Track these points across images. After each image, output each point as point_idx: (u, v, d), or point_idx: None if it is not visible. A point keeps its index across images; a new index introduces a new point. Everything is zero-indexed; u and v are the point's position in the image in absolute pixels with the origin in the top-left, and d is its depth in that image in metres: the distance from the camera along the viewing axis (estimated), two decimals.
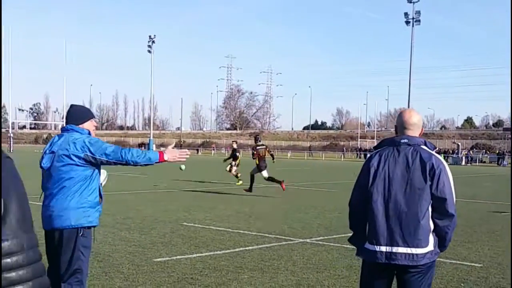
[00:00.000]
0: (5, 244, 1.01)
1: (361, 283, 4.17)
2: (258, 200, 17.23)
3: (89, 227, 4.95)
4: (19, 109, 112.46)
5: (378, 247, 3.89)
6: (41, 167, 4.87)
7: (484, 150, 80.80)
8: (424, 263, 3.88)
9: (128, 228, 10.77)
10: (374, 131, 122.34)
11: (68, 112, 5.11)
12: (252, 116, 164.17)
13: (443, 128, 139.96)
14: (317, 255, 8.75)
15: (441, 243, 3.98)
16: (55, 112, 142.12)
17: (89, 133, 5.03)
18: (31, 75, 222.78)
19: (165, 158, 4.98)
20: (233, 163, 24.31)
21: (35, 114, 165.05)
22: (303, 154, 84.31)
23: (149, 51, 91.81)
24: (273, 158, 20.55)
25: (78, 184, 4.80)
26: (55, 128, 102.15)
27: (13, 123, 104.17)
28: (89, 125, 5.08)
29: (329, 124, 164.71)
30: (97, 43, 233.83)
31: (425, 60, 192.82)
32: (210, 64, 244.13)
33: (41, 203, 4.86)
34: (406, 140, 4.01)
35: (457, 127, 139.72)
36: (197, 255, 8.52)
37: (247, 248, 9.23)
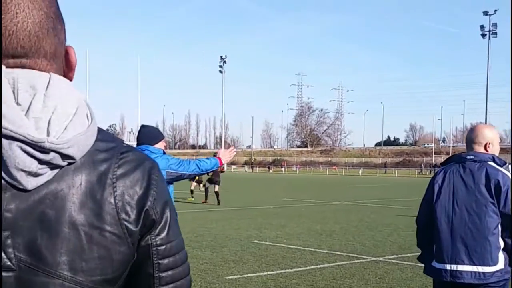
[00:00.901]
0: (173, 245, 1.13)
1: None
2: (329, 217, 17.06)
3: None
4: None
5: (443, 265, 3.80)
6: None
7: None
8: (494, 282, 3.73)
9: (200, 246, 10.89)
10: (449, 146, 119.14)
11: (141, 133, 5.23)
12: (322, 133, 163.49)
13: None
14: (390, 274, 8.54)
15: None
16: (130, 132, 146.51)
17: (164, 153, 5.16)
18: (108, 96, 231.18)
19: (223, 161, 5.39)
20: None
21: None
22: (375, 170, 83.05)
23: (220, 71, 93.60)
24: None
25: None
26: None
27: None
28: (161, 145, 5.21)
29: (402, 140, 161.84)
30: (169, 64, 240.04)
31: (503, 73, 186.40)
32: (280, 82, 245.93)
33: None
34: (472, 157, 3.89)
35: None
36: (268, 273, 8.50)
37: (318, 266, 9.13)
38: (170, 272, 1.13)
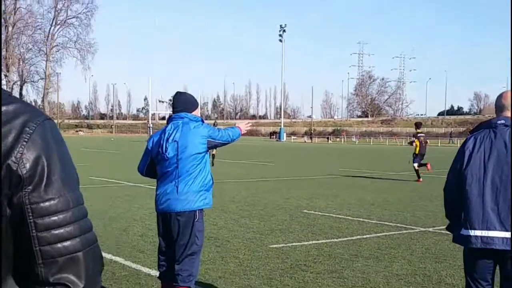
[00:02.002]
0: (52, 203, 1.08)
1: (465, 272, 4.01)
2: (383, 188, 16.90)
3: (203, 210, 5.10)
4: (159, 101, 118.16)
5: (473, 231, 3.74)
6: (163, 155, 5.05)
7: None
8: None
9: (250, 215, 11.03)
10: None
11: (178, 100, 5.21)
12: (383, 103, 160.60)
13: None
14: (437, 245, 8.43)
15: None
16: None
17: (202, 120, 5.22)
18: (173, 67, 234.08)
19: (243, 131, 5.46)
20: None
21: None
22: (437, 140, 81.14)
23: (280, 40, 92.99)
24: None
25: (198, 168, 4.99)
26: None
27: (153, 114, 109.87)
28: (197, 112, 5.26)
29: (466, 109, 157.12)
30: (230, 34, 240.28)
31: None
32: (341, 51, 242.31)
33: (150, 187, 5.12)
34: (503, 121, 3.81)
35: None
36: (313, 242, 8.55)
37: (364, 236, 9.10)
38: (53, 232, 1.08)
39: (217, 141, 5.14)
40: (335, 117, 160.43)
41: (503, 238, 3.65)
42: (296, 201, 13.22)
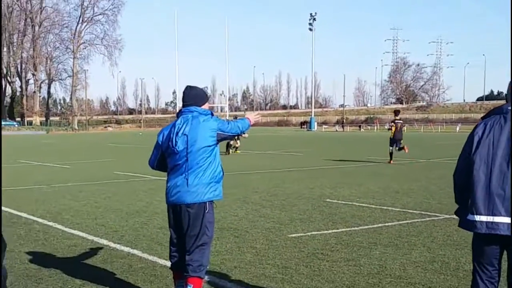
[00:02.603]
0: None
1: (472, 258, 3.95)
2: (410, 175, 16.70)
3: (213, 201, 5.12)
4: None
5: (478, 216, 3.70)
6: (173, 149, 5.08)
7: None
8: None
9: (271, 205, 11.01)
10: None
11: (188, 94, 5.23)
12: (419, 89, 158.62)
13: None
14: (460, 232, 8.26)
15: None
16: (221, 94, 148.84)
17: (212, 113, 5.23)
18: (200, 59, 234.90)
19: (252, 122, 5.48)
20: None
21: None
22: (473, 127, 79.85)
23: (310, 29, 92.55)
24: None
25: (208, 161, 5.01)
26: (221, 111, 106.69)
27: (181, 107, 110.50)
28: (206, 106, 5.27)
29: (506, 94, 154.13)
30: (259, 25, 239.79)
31: None
32: (374, 38, 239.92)
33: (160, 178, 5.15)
34: None
35: None
36: (333, 231, 8.49)
37: (386, 224, 9.00)
38: None
39: (226, 133, 5.17)
40: (369, 105, 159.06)
41: (508, 223, 3.61)
42: (319, 190, 13.15)
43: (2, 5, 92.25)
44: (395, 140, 21.85)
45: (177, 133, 5.05)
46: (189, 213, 5.02)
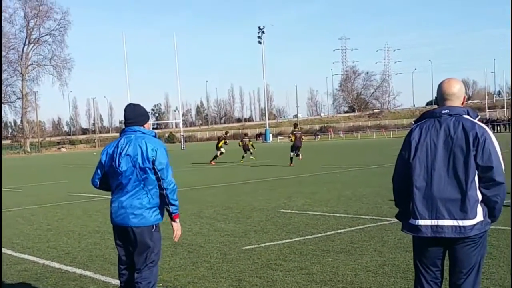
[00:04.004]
0: None
1: (414, 259, 4.06)
2: (363, 181, 16.96)
3: (158, 223, 5.11)
4: None
5: (423, 221, 3.79)
6: (116, 169, 5.03)
7: None
8: (474, 235, 3.73)
9: (226, 219, 11.03)
10: (503, 99, 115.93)
11: (131, 112, 5.16)
12: (370, 96, 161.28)
13: None
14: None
15: (491, 213, 3.83)
16: (175, 111, 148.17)
17: (155, 135, 5.19)
18: (152, 76, 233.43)
19: (177, 220, 5.09)
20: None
21: (157, 115, 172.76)
22: None
23: (260, 42, 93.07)
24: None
25: (153, 184, 4.98)
26: (176, 127, 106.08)
27: None
28: (148, 125, 5.25)
29: (436, 97, 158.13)
30: (208, 40, 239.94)
31: None
32: (323, 48, 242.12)
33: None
34: (447, 111, 3.87)
35: None
36: (287, 241, 8.56)
37: (339, 231, 9.13)
38: None
39: (158, 174, 4.92)
40: (322, 114, 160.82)
41: (452, 226, 3.72)
42: (274, 201, 13.23)
43: None
44: (295, 148, 26.20)
45: (120, 153, 5.00)
46: (135, 234, 4.99)
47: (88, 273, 7.23)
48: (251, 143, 33.45)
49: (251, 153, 32.82)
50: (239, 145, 33.23)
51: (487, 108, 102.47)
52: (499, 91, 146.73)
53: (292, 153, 26.44)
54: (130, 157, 4.94)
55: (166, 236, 5.12)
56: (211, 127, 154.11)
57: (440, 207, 3.73)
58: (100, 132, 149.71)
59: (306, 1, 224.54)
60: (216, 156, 32.45)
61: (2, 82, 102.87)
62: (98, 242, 9.24)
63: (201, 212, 12.08)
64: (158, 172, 4.90)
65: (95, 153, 74.79)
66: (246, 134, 35.21)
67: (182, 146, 76.40)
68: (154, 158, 4.90)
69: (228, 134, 35.95)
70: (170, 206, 4.97)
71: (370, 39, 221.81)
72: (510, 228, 8.06)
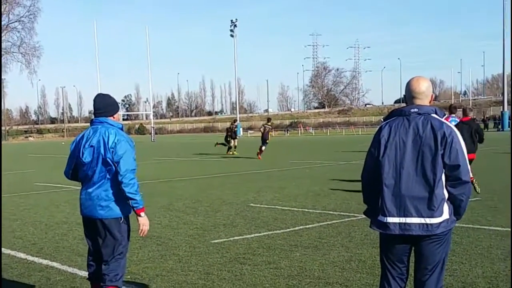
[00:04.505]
0: None
1: (380, 255, 4.12)
2: (331, 178, 17.10)
3: (127, 216, 5.09)
4: None
5: (391, 218, 3.85)
6: (81, 160, 5.02)
7: None
8: (440, 232, 3.82)
9: (195, 212, 11.04)
10: (469, 99, 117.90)
11: (100, 103, 5.12)
12: (340, 93, 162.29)
13: None
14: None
15: (456, 211, 3.92)
16: (145, 102, 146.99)
17: (122, 127, 5.16)
18: (123, 67, 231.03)
19: (142, 215, 5.00)
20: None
21: (127, 106, 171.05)
22: None
23: (232, 35, 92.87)
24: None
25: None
26: (146, 118, 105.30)
27: None
28: (117, 117, 5.23)
29: (404, 95, 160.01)
30: (181, 32, 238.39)
31: None
32: (295, 44, 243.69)
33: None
34: (416, 110, 3.93)
35: None
36: (255, 235, 8.61)
37: (307, 226, 9.22)
38: None
39: (116, 168, 4.88)
40: (292, 109, 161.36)
41: (419, 224, 3.79)
42: (243, 196, 13.27)
43: None
44: (263, 140, 28.19)
45: (85, 144, 5.00)
46: (103, 225, 4.99)
47: (54, 264, 7.17)
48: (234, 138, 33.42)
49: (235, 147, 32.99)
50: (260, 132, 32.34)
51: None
52: (465, 91, 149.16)
53: (262, 147, 28.01)
54: (94, 148, 4.94)
55: (135, 229, 5.10)
56: (181, 120, 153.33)
57: (408, 205, 3.80)
58: (69, 122, 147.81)
59: None
60: (229, 147, 32.90)
61: None
62: (65, 233, 9.17)
63: (171, 205, 12.06)
64: (115, 164, 4.88)
65: (63, 143, 73.85)
66: (269, 119, 30.10)
67: (152, 138, 75.93)
68: (114, 150, 4.89)
69: (236, 123, 35.45)
70: (129, 200, 4.90)
71: (341, 36, 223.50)
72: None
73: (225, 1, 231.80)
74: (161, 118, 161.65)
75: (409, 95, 4.04)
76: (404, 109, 3.98)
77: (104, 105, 5.13)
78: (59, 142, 77.27)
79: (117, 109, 5.26)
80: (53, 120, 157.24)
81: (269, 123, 28.68)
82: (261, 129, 28.72)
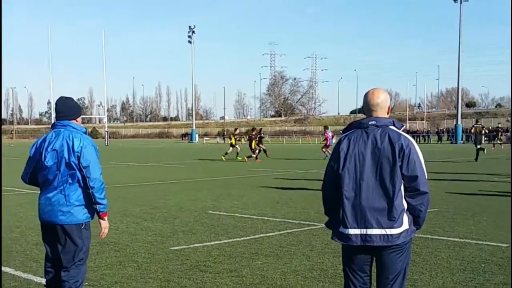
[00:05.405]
0: None
1: (342, 265, 4.14)
2: (289, 186, 17.13)
3: (89, 221, 4.98)
4: None
5: (353, 230, 3.88)
6: (42, 164, 4.88)
7: None
8: (401, 242, 3.87)
9: (153, 218, 10.85)
10: (424, 112, 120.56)
11: (63, 107, 5.01)
12: (296, 102, 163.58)
13: (498, 106, 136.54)
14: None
15: (416, 222, 3.98)
16: (99, 106, 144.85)
17: (86, 131, 5.06)
18: (76, 70, 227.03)
19: (105, 218, 5.00)
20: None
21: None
22: None
23: (190, 42, 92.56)
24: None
25: (81, 181, 4.83)
26: (99, 122, 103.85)
27: None
28: (79, 121, 5.12)
29: (362, 106, 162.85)
30: (138, 36, 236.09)
31: (478, 37, 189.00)
32: (253, 52, 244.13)
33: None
34: (374, 122, 3.98)
35: None
36: (215, 242, 8.51)
37: (267, 234, 9.17)
38: None
39: (83, 173, 4.79)
40: (248, 117, 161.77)
41: (380, 235, 3.83)
42: (202, 202, 13.14)
43: None
44: (250, 148, 30.82)
45: (47, 147, 4.87)
46: (64, 231, 4.86)
47: (8, 269, 6.91)
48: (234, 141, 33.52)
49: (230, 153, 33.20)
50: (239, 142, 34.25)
51: (407, 120, 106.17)
52: (419, 104, 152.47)
53: (253, 154, 30.89)
54: (57, 152, 4.82)
55: (94, 233, 4.98)
56: (136, 125, 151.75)
57: (369, 216, 3.83)
58: (18, 124, 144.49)
59: (236, 2, 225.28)
60: (234, 153, 32.79)
61: None
62: (18, 238, 8.87)
63: (127, 210, 11.84)
64: (84, 170, 4.78)
65: (12, 145, 72.19)
66: (253, 129, 33.82)
67: (106, 142, 74.85)
68: (79, 155, 4.78)
69: (237, 131, 34.73)
70: (97, 205, 4.87)
71: (298, 46, 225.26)
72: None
73: (184, 7, 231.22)
74: (115, 122, 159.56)
75: (367, 107, 4.08)
76: (362, 121, 4.02)
77: (67, 109, 5.05)
78: (8, 144, 75.47)
79: (79, 112, 5.17)
80: (1, 122, 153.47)
81: (253, 132, 29.78)
82: (246, 138, 29.55)
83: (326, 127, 34.78)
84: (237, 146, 32.85)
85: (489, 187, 16.10)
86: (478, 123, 31.62)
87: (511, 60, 40.37)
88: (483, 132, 31.59)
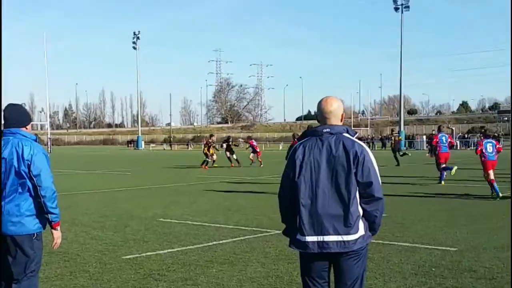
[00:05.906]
0: None
1: (301, 273, 4.16)
2: (240, 193, 17.12)
3: (40, 232, 4.83)
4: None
5: (310, 237, 3.90)
6: None
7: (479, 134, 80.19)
8: (357, 248, 3.91)
9: (103, 227, 10.63)
10: (367, 119, 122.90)
11: (12, 112, 4.86)
12: (243, 109, 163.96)
13: (438, 114, 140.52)
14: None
15: (371, 227, 4.05)
16: (40, 112, 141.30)
17: (36, 139, 4.91)
18: (15, 74, 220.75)
19: (58, 228, 4.92)
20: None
21: None
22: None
23: (134, 48, 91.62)
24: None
25: (32, 190, 4.68)
26: (41, 129, 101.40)
27: None
28: (29, 128, 4.96)
29: (317, 114, 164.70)
30: (80, 41, 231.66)
31: (418, 46, 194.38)
32: (198, 59, 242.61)
33: None
34: (328, 130, 4.02)
35: (453, 112, 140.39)
36: (168, 251, 8.40)
37: (220, 242, 9.11)
38: None
39: (33, 181, 4.66)
40: (195, 124, 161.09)
41: (336, 241, 3.86)
42: (152, 210, 12.95)
43: None
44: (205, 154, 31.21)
45: None
46: (15, 242, 4.69)
47: None
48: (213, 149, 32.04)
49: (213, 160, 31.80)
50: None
51: (352, 127, 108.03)
52: (363, 111, 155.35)
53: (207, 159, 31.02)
54: (5, 161, 4.66)
55: (46, 244, 4.85)
56: (79, 131, 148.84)
57: (325, 223, 3.86)
58: None
59: (181, 9, 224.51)
60: (206, 162, 31.14)
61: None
62: None
63: (76, 219, 11.55)
64: (34, 178, 4.64)
65: None
66: (211, 135, 33.46)
67: (49, 150, 73.03)
68: (30, 163, 4.63)
69: (213, 138, 32.67)
70: (49, 214, 4.74)
71: (244, 53, 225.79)
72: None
73: (128, 13, 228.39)
74: (57, 129, 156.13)
75: (320, 115, 4.12)
76: (317, 129, 4.06)
77: (16, 116, 4.89)
78: None
79: (29, 119, 5.03)
80: None
81: (210, 139, 30.56)
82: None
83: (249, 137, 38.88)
84: (214, 155, 31.67)
85: (433, 189, 16.49)
86: (394, 132, 36.55)
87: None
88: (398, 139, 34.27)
